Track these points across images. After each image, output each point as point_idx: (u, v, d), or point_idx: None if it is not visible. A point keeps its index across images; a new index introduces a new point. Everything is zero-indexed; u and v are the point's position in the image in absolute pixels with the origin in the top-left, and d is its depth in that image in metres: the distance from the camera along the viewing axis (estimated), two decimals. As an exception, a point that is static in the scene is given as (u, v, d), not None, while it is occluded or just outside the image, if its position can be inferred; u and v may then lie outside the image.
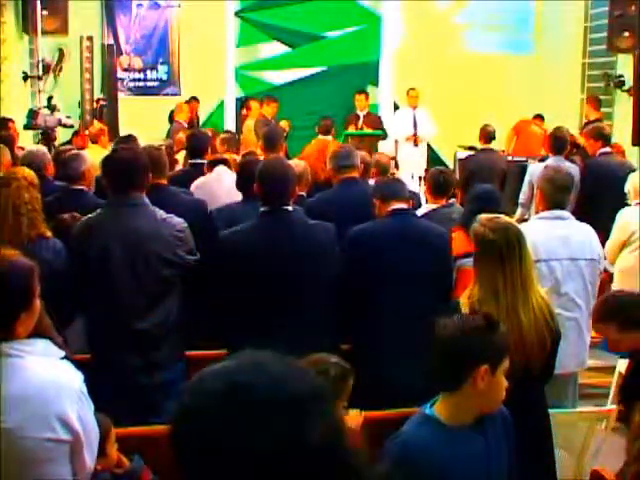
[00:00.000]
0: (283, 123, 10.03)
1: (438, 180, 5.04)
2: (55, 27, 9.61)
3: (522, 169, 7.59)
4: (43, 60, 9.60)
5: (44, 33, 9.36)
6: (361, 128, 10.60)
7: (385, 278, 3.73)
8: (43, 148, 5.84)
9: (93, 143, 8.32)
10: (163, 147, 5.98)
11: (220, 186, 5.19)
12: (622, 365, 4.27)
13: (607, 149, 6.93)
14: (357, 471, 1.10)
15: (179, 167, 6.69)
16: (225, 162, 5.62)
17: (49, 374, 2.16)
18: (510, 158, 9.13)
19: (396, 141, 11.28)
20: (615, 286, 4.95)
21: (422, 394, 3.19)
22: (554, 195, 4.11)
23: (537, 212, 4.24)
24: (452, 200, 5.14)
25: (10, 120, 7.62)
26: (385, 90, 12.61)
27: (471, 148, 9.67)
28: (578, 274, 4.02)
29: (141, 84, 12.12)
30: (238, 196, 4.59)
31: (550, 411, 3.22)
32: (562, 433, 3.38)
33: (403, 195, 3.94)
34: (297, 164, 5.16)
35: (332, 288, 3.66)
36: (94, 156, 5.10)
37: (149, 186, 3.71)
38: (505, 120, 10.27)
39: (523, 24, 12.61)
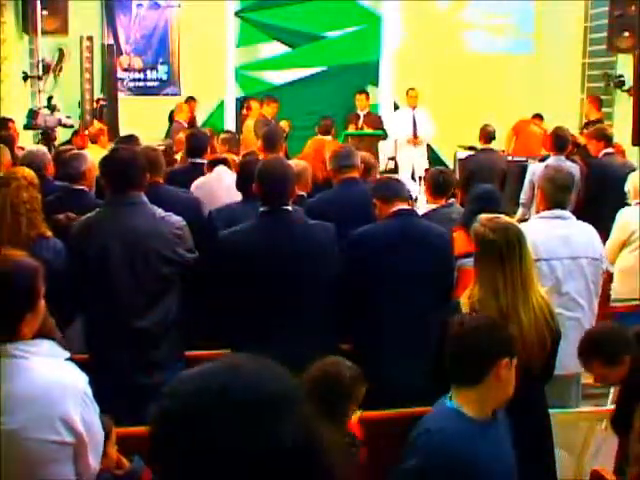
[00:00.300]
0: (283, 123, 10.03)
1: (438, 180, 5.05)
2: (55, 27, 9.60)
3: (522, 169, 7.59)
4: (43, 60, 9.59)
5: (44, 33, 9.36)
6: (361, 128, 10.60)
7: (386, 278, 3.72)
8: (43, 148, 5.83)
9: (92, 143, 8.32)
10: (163, 147, 6.00)
11: (220, 186, 5.19)
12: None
13: (610, 150, 6.93)
14: (332, 472, 1.11)
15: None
16: (225, 162, 5.62)
17: (54, 375, 2.15)
18: (510, 158, 9.13)
19: (396, 141, 11.28)
20: (615, 286, 4.95)
21: (422, 394, 3.20)
22: (555, 195, 4.10)
23: (538, 212, 4.24)
24: (452, 200, 5.15)
25: (10, 120, 7.62)
26: (385, 90, 12.60)
27: (471, 148, 9.67)
28: (580, 273, 4.01)
29: (141, 84, 12.12)
30: (238, 196, 4.59)
31: (550, 411, 3.22)
32: (562, 433, 3.38)
33: (404, 195, 3.94)
34: (297, 164, 5.16)
35: (332, 288, 3.66)
36: (93, 156, 5.09)
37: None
38: (505, 120, 10.27)
39: (523, 24, 12.61)
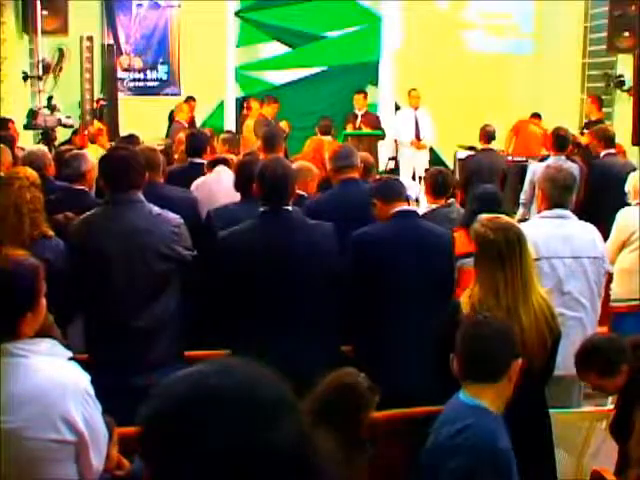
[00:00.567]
0: (283, 123, 10.03)
1: (437, 180, 5.06)
2: (55, 27, 9.60)
3: (522, 169, 7.60)
4: (43, 60, 9.59)
5: (44, 33, 9.36)
6: (359, 127, 10.59)
7: (387, 279, 3.72)
8: (44, 148, 5.84)
9: (92, 143, 8.33)
10: (162, 146, 6.00)
11: (220, 186, 5.19)
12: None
13: (612, 150, 6.94)
14: (324, 477, 1.11)
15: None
16: (225, 162, 5.62)
17: (54, 374, 2.15)
18: (510, 158, 9.13)
19: (395, 141, 11.29)
20: (615, 286, 4.95)
21: (422, 393, 3.21)
22: (556, 194, 4.10)
23: (539, 211, 4.23)
24: (451, 200, 5.15)
25: (10, 120, 7.62)
26: (385, 90, 12.61)
27: (471, 148, 9.67)
28: (581, 273, 3.99)
29: (141, 84, 12.13)
30: (238, 196, 4.59)
31: (550, 411, 3.22)
32: (562, 433, 3.38)
33: (404, 196, 3.94)
34: (304, 166, 5.19)
35: (332, 289, 3.66)
36: (93, 156, 5.10)
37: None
38: (505, 120, 10.28)
39: (523, 24, 12.61)
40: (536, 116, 10.71)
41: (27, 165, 4.41)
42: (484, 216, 3.17)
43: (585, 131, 8.97)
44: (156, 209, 3.58)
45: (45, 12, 9.32)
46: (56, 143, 8.13)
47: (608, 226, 4.96)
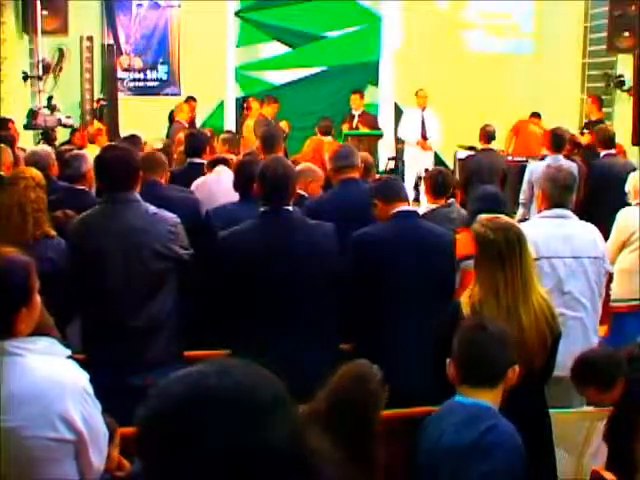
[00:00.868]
0: (283, 124, 10.03)
1: (437, 180, 5.07)
2: (55, 27, 9.61)
3: (522, 169, 7.59)
4: (43, 60, 9.59)
5: (44, 33, 9.36)
6: (356, 127, 10.59)
7: (388, 279, 3.72)
8: (48, 148, 5.85)
9: (91, 143, 8.33)
10: (161, 146, 6.00)
11: (220, 186, 5.19)
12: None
13: (612, 151, 6.95)
14: (319, 476, 1.12)
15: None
16: (225, 162, 5.62)
17: (52, 373, 2.15)
18: (510, 158, 9.13)
19: (397, 140, 11.30)
20: (615, 286, 4.95)
21: (422, 394, 3.20)
22: (556, 194, 4.10)
23: (539, 211, 4.24)
24: (451, 200, 5.16)
25: (10, 120, 7.62)
26: (385, 90, 12.61)
27: (471, 148, 9.67)
28: (582, 273, 3.99)
29: (141, 84, 12.13)
30: (237, 196, 4.59)
31: (550, 411, 3.22)
32: (562, 433, 3.38)
33: (405, 196, 3.94)
34: (309, 167, 5.20)
35: (333, 289, 3.66)
36: (92, 156, 5.10)
37: (143, 183, 3.72)
38: (505, 120, 10.28)
39: (523, 24, 12.62)
40: (536, 115, 10.72)
41: (31, 165, 4.43)
42: (484, 216, 3.18)
43: (585, 131, 8.98)
44: (152, 208, 3.58)
45: (45, 12, 9.32)
46: (56, 143, 8.13)
47: (608, 226, 4.96)
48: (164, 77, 12.19)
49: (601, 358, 3.35)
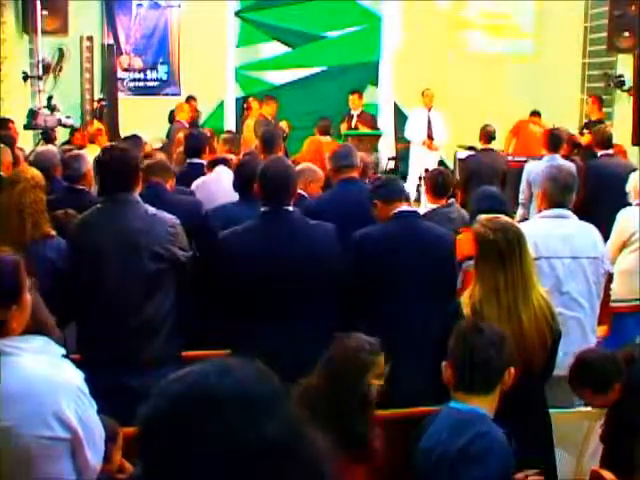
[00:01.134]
0: (283, 124, 10.04)
1: (437, 180, 5.08)
2: (55, 27, 9.60)
3: (522, 169, 7.59)
4: (43, 60, 9.59)
5: (44, 33, 9.36)
6: (355, 127, 10.59)
7: (388, 280, 3.72)
8: (54, 149, 5.86)
9: (91, 143, 8.33)
10: (160, 146, 6.00)
11: (219, 186, 5.19)
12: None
13: (609, 151, 6.95)
14: (319, 471, 1.12)
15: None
16: (225, 162, 5.62)
17: (46, 372, 2.15)
18: (510, 158, 9.13)
19: (397, 139, 11.29)
20: (615, 286, 4.94)
21: (422, 395, 3.20)
22: (556, 194, 4.10)
23: (539, 211, 4.24)
24: (452, 200, 5.17)
25: (10, 120, 7.62)
26: (385, 90, 12.61)
27: (471, 148, 9.67)
28: (581, 273, 3.99)
29: (141, 84, 12.13)
30: (237, 196, 4.60)
31: (550, 411, 3.22)
32: (562, 433, 3.38)
33: (405, 196, 3.94)
34: (309, 168, 5.20)
35: (333, 289, 3.66)
36: (92, 156, 5.11)
37: (145, 185, 3.73)
38: (505, 120, 10.27)
39: (523, 24, 12.61)
40: (535, 114, 10.69)
41: (36, 164, 4.44)
42: (484, 216, 3.18)
43: (585, 131, 8.98)
44: (152, 209, 3.58)
45: (45, 12, 9.32)
46: (56, 143, 8.12)
47: (606, 226, 4.95)
48: (164, 77, 12.19)
49: (598, 360, 3.33)
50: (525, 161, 7.81)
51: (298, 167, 4.95)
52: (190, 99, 11.03)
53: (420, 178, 9.82)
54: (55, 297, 3.11)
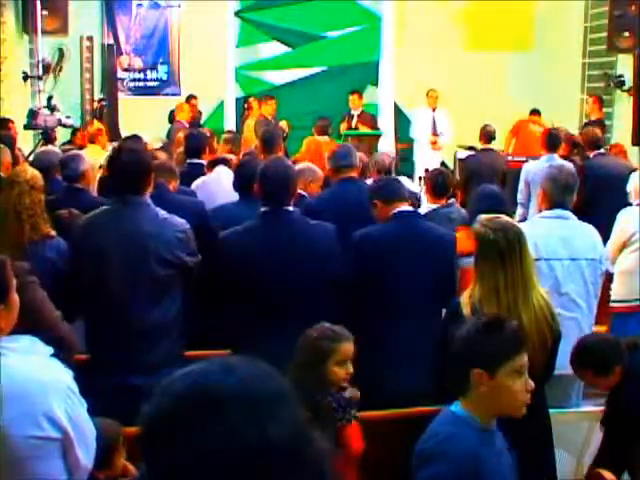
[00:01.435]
0: (283, 124, 10.04)
1: (437, 180, 5.09)
2: (55, 27, 9.60)
3: (522, 169, 7.59)
4: (43, 60, 9.59)
5: (44, 33, 9.35)
6: (355, 127, 10.60)
7: (388, 280, 3.72)
8: (55, 149, 5.85)
9: (91, 143, 8.34)
10: (159, 145, 6.00)
11: (219, 186, 5.19)
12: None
13: (601, 150, 6.98)
14: (322, 472, 1.12)
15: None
16: (225, 162, 5.62)
17: (34, 372, 2.13)
18: (510, 158, 9.13)
19: (397, 139, 11.29)
20: (615, 287, 4.95)
21: (421, 395, 3.21)
22: (557, 194, 4.10)
23: (539, 211, 4.24)
24: (452, 200, 5.17)
25: (10, 120, 7.62)
26: (385, 90, 12.60)
27: (471, 148, 9.67)
28: (579, 275, 4.01)
29: (141, 84, 12.13)
30: (237, 196, 4.59)
31: (550, 411, 3.22)
32: (562, 433, 3.38)
33: (405, 195, 3.94)
34: (309, 167, 5.20)
35: (332, 289, 3.66)
36: (92, 156, 5.12)
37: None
38: (505, 120, 10.27)
39: (523, 24, 12.60)
40: (535, 112, 10.68)
41: (36, 165, 4.43)
42: (484, 216, 3.17)
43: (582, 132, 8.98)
44: (163, 213, 3.54)
45: (45, 12, 9.32)
46: (56, 143, 8.12)
47: (604, 225, 4.95)
48: (164, 77, 12.19)
49: (599, 342, 3.41)
50: (525, 161, 7.82)
51: (298, 167, 4.96)
52: (191, 98, 11.03)
53: (420, 178, 9.81)
54: (56, 297, 3.11)
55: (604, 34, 10.36)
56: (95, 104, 10.94)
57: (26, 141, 8.27)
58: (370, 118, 10.97)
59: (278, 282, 3.54)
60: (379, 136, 10.55)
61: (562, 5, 11.60)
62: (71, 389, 2.18)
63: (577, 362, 3.40)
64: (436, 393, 2.96)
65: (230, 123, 11.89)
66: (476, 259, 3.10)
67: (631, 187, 5.21)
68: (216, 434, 1.05)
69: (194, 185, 5.29)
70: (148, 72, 12.11)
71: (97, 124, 9.70)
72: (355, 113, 10.78)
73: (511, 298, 2.97)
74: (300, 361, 2.85)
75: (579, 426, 3.67)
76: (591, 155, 6.95)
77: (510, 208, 4.79)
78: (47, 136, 7.85)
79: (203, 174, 5.54)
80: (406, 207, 3.87)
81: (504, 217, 3.19)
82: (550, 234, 4.01)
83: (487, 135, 8.24)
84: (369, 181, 4.98)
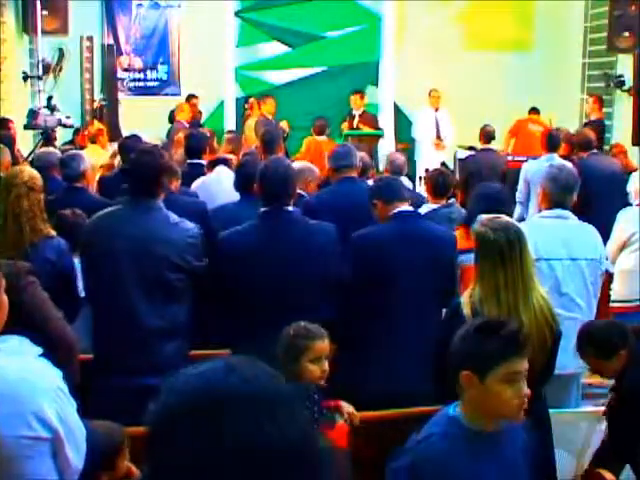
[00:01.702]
0: (283, 124, 10.04)
1: (437, 181, 5.08)
2: (55, 27, 9.61)
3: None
4: (43, 60, 9.59)
5: (44, 33, 9.36)
6: (357, 127, 10.60)
7: (388, 280, 3.72)
8: (55, 150, 5.86)
9: (92, 143, 8.34)
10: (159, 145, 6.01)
11: (220, 186, 5.19)
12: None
13: (594, 150, 7.01)
14: (326, 472, 1.12)
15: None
16: (225, 162, 5.63)
17: (23, 372, 2.13)
18: (510, 158, 9.14)
19: (396, 139, 11.29)
20: (615, 286, 4.95)
21: (421, 395, 3.20)
22: (557, 194, 4.10)
23: (539, 210, 4.24)
24: (452, 200, 5.17)
25: (10, 120, 7.62)
26: (385, 90, 12.60)
27: (471, 148, 9.67)
28: (579, 275, 4.01)
29: (141, 84, 12.12)
30: (237, 196, 4.60)
31: (550, 411, 3.22)
32: (562, 433, 3.38)
33: (405, 195, 3.94)
34: (308, 167, 5.20)
35: (332, 289, 3.66)
36: (93, 156, 5.12)
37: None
38: (505, 120, 10.27)
39: (522, 24, 12.60)
40: (534, 111, 10.68)
41: (36, 166, 4.43)
42: (484, 216, 3.18)
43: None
44: (174, 217, 3.53)
45: (45, 12, 9.32)
46: (56, 143, 8.12)
47: (598, 226, 4.96)
48: (164, 77, 12.19)
49: (604, 326, 3.43)
50: (525, 161, 7.83)
51: (297, 166, 4.95)
52: (191, 98, 11.03)
53: (420, 178, 9.82)
54: (56, 297, 3.11)
55: (604, 34, 10.36)
56: (95, 104, 10.94)
57: (26, 141, 8.28)
58: (372, 118, 10.99)
59: (278, 282, 3.54)
60: (379, 136, 10.56)
61: (562, 5, 11.60)
62: (61, 389, 2.17)
63: (580, 343, 3.41)
64: (436, 393, 2.96)
65: (230, 123, 11.88)
66: (476, 259, 3.10)
67: (631, 187, 5.21)
68: (217, 434, 1.05)
69: (194, 185, 5.29)
70: (148, 72, 12.11)
71: (97, 124, 9.70)
72: (357, 113, 10.80)
73: (511, 298, 2.97)
74: (278, 357, 2.89)
75: (579, 426, 3.67)
76: (584, 156, 6.96)
77: (510, 208, 4.79)
78: (47, 136, 7.85)
79: (203, 174, 5.54)
80: (406, 207, 3.87)
81: (504, 217, 3.19)
82: (550, 234, 4.01)
83: (487, 135, 8.25)
84: (370, 181, 4.99)
